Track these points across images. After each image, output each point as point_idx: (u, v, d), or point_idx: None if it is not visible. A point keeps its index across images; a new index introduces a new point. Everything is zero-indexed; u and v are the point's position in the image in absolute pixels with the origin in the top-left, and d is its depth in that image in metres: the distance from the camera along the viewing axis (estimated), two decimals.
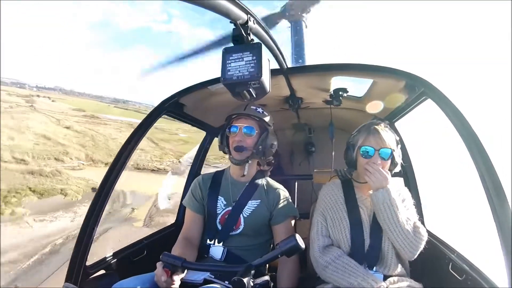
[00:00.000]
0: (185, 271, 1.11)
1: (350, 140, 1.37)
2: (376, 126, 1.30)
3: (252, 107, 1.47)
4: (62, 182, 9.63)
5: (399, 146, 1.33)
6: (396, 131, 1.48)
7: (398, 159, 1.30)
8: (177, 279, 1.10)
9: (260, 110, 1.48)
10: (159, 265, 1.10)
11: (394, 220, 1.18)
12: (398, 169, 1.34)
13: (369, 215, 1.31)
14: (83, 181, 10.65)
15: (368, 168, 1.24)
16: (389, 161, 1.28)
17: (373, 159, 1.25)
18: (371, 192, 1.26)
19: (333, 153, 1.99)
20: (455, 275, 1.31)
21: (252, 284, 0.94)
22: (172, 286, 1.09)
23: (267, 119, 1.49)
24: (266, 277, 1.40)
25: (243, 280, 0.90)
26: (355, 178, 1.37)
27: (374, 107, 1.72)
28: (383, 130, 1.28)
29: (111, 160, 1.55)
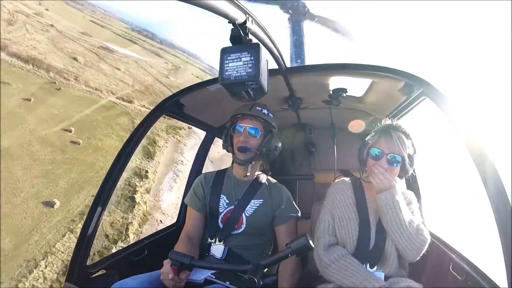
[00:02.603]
0: (192, 269, 1.10)
1: (367, 138, 1.36)
2: (391, 130, 1.27)
3: (257, 108, 1.45)
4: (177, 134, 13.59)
5: (414, 154, 1.29)
6: None
7: (409, 167, 1.28)
8: (184, 277, 1.10)
9: (265, 111, 1.46)
10: (166, 262, 1.10)
11: (397, 222, 1.18)
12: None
13: (375, 215, 1.31)
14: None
15: (374, 170, 1.24)
16: (398, 168, 1.26)
17: (380, 162, 1.25)
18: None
19: (335, 153, 1.98)
20: (456, 275, 1.30)
21: (261, 283, 0.92)
22: (179, 284, 1.09)
23: (272, 120, 1.47)
24: (274, 277, 1.39)
25: (254, 279, 0.89)
26: (364, 178, 1.37)
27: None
28: (397, 134, 1.25)
29: None
